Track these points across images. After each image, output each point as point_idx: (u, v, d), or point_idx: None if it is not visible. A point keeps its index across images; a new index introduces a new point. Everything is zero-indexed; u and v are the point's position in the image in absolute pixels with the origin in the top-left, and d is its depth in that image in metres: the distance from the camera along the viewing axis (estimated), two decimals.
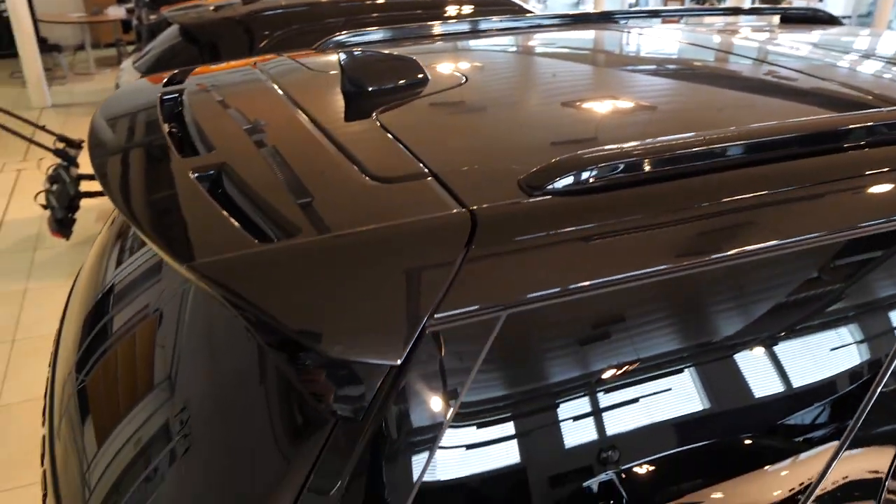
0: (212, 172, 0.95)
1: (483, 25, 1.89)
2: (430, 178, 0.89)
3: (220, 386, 0.87)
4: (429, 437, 0.74)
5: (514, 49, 1.64)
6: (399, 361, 0.72)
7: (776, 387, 0.85)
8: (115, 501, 0.86)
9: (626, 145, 0.88)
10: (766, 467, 0.84)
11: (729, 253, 0.83)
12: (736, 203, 0.86)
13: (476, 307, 0.75)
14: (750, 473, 0.84)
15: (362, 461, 0.72)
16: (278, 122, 1.14)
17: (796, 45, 1.63)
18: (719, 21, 2.55)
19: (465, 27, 1.90)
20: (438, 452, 0.74)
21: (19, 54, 7.31)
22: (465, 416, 0.75)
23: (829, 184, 0.91)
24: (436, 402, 0.74)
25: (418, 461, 0.73)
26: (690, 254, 0.82)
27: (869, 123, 0.98)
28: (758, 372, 0.84)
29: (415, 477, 0.73)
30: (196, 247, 0.77)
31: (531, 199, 0.82)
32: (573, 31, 1.86)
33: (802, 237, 0.87)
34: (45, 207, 3.99)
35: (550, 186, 0.83)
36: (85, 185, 4.93)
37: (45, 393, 1.26)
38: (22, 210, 4.91)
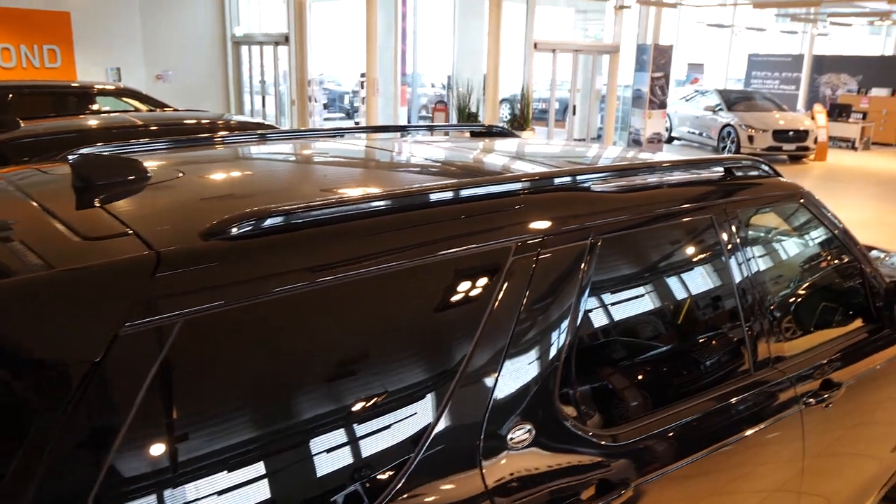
0: None
1: (200, 140, 2.27)
2: (132, 234, 1.22)
3: None
4: (123, 416, 0.99)
5: (220, 154, 2.07)
6: (98, 358, 0.98)
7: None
8: None
9: (250, 210, 1.23)
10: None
11: (338, 275, 1.22)
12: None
13: (158, 316, 1.04)
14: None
15: (74, 433, 0.96)
16: (13, 210, 1.45)
17: (446, 149, 2.19)
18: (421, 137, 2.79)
19: (186, 142, 2.23)
20: (129, 426, 0.99)
21: None
22: (152, 397, 1.01)
23: (419, 227, 1.35)
24: (129, 387, 1.00)
25: (112, 435, 0.98)
26: (303, 278, 1.18)
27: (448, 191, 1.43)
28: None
29: (112, 446, 0.97)
30: None
31: (203, 244, 1.17)
32: (263, 143, 2.27)
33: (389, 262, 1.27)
34: None
35: (213, 236, 1.18)
36: None
37: None
38: None
